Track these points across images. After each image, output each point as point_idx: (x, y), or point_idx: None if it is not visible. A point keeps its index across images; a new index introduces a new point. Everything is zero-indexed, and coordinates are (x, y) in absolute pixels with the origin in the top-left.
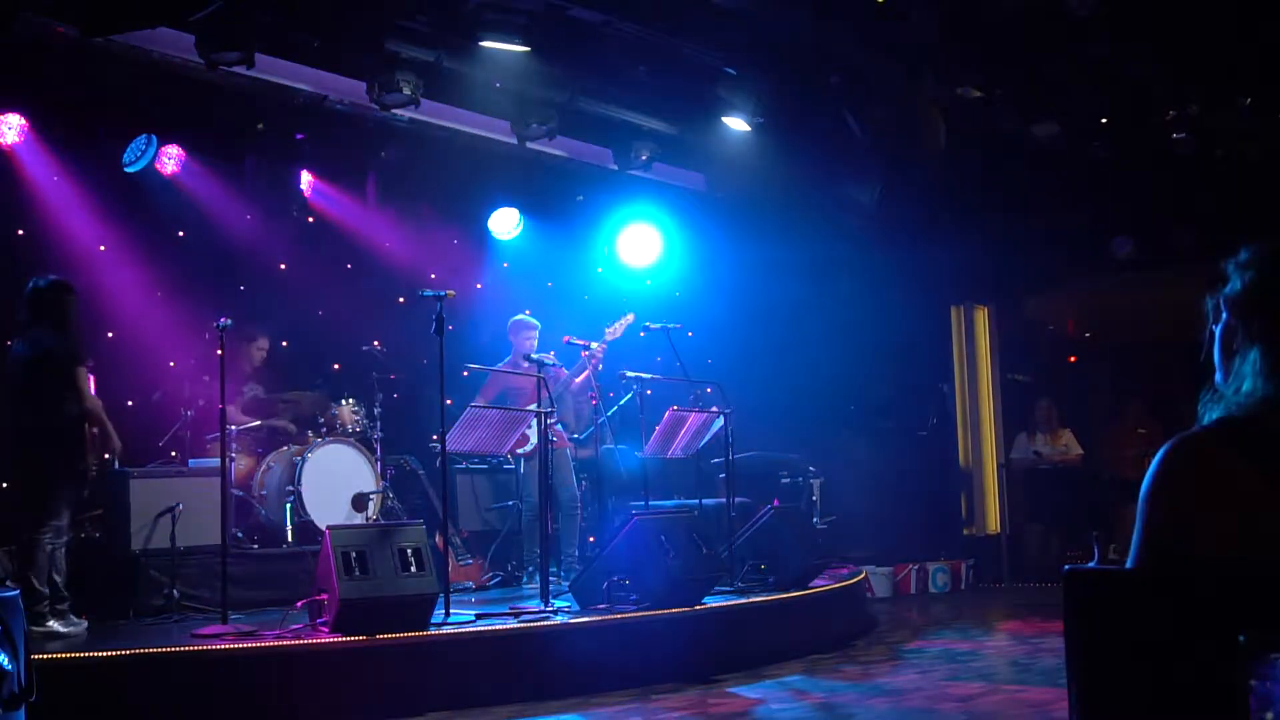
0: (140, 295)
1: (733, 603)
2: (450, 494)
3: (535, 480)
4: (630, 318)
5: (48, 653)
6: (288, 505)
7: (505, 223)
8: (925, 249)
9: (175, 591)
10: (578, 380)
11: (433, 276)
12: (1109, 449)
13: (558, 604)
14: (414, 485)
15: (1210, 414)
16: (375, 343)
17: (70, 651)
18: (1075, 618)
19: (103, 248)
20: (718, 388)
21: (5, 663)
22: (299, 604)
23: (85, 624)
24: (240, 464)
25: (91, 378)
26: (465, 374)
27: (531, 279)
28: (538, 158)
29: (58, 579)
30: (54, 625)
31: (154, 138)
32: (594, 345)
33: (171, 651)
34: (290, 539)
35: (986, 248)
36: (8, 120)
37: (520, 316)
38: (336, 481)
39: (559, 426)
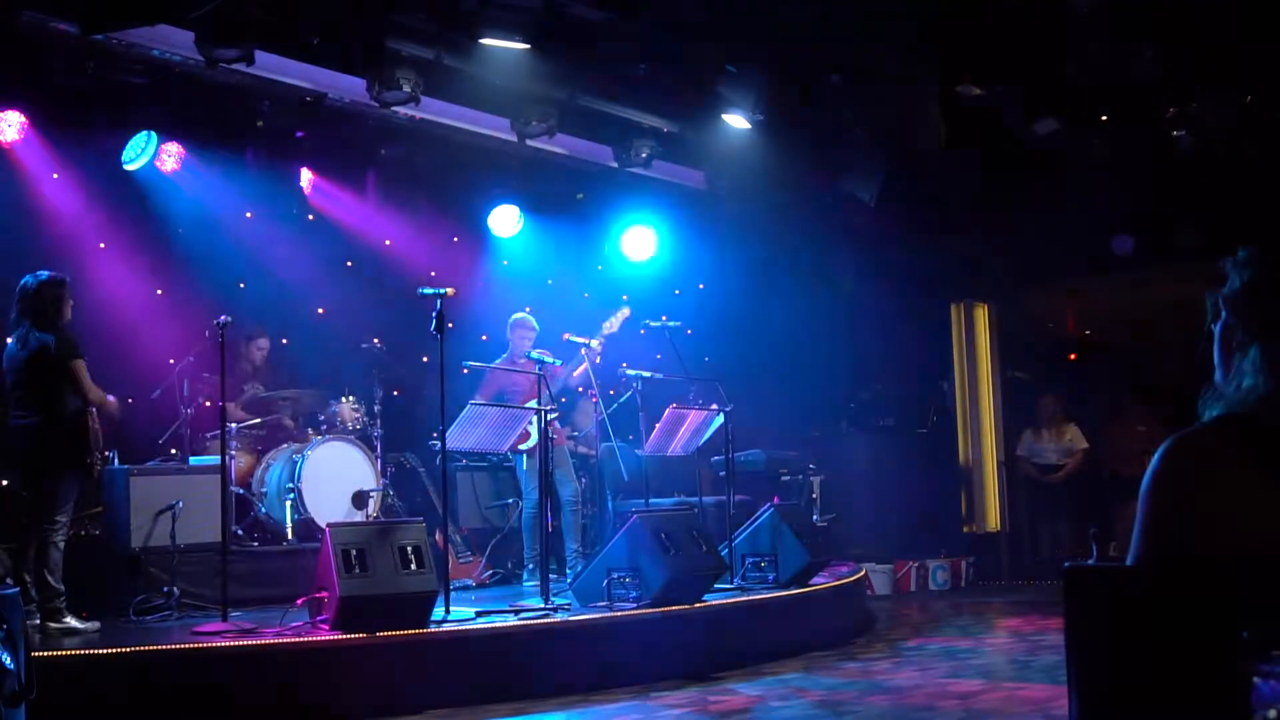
0: (140, 293)
1: (733, 600)
2: (450, 491)
3: (536, 477)
4: (626, 311)
5: (49, 650)
6: (288, 503)
7: (505, 220)
8: (925, 246)
9: (175, 589)
10: (575, 374)
11: (433, 274)
12: (1109, 446)
13: (558, 601)
14: (414, 483)
15: (1210, 411)
16: (375, 340)
17: (71, 649)
18: (1076, 615)
19: (102, 245)
20: (717, 385)
21: (6, 661)
22: (299, 601)
23: (98, 624)
24: (240, 462)
25: None
26: (465, 371)
27: (531, 277)
28: (538, 155)
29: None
30: (71, 621)
31: (154, 135)
32: (593, 343)
33: (172, 649)
34: (290, 536)
35: (986, 245)
36: (7, 117)
37: (521, 315)
38: (337, 479)
39: (558, 424)
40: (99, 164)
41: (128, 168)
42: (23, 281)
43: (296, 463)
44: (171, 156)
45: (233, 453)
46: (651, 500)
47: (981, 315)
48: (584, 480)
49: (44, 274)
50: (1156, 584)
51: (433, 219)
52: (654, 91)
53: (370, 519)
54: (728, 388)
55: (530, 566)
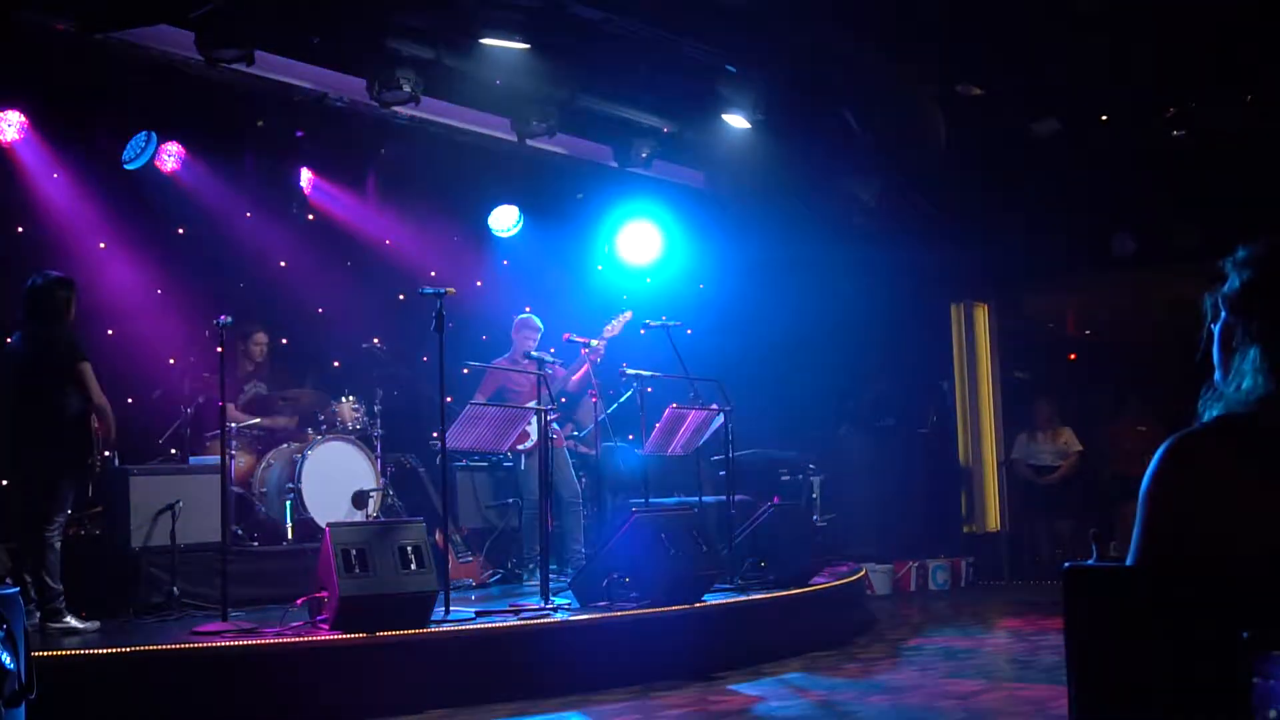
0: (140, 292)
1: (733, 600)
2: (450, 491)
3: (536, 477)
4: (628, 315)
5: (49, 650)
6: (288, 503)
7: (505, 220)
8: (925, 246)
9: (175, 589)
10: (576, 377)
11: (433, 274)
12: (1109, 446)
13: (558, 601)
14: (414, 483)
15: (1210, 412)
16: (375, 340)
17: (71, 649)
18: (1075, 615)
19: (102, 245)
20: (717, 385)
21: (6, 661)
22: (299, 601)
23: (98, 624)
24: (240, 461)
25: None
26: (465, 371)
27: (531, 276)
28: (538, 155)
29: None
30: (71, 621)
31: (154, 135)
32: (594, 343)
33: (172, 649)
34: (290, 536)
35: (986, 245)
36: (7, 117)
37: (525, 315)
38: (337, 479)
39: (556, 425)
40: (99, 164)
41: (128, 167)
42: (31, 281)
43: (296, 463)
44: (171, 156)
45: (233, 453)
46: (651, 500)
47: (981, 314)
48: (584, 479)
49: (53, 274)
50: (1156, 584)
51: (433, 219)
52: (654, 91)
53: (370, 519)
54: (728, 388)
55: (531, 566)
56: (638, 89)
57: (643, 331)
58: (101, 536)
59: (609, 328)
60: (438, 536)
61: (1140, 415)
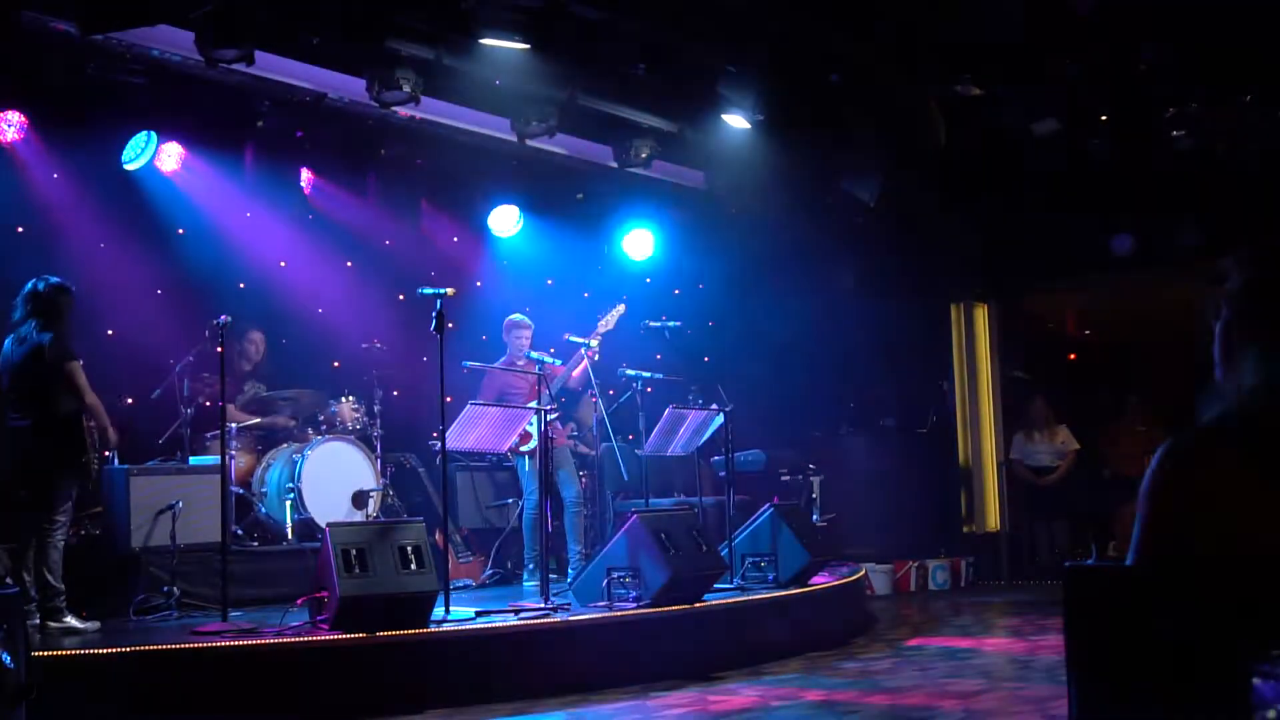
0: (140, 293)
1: (732, 600)
2: (450, 491)
3: (536, 477)
4: (622, 308)
5: (49, 650)
6: (288, 503)
7: (505, 220)
8: (925, 247)
9: (175, 589)
10: (575, 372)
11: (433, 274)
12: (1109, 447)
13: (558, 601)
14: (414, 483)
15: (1210, 411)
16: (375, 340)
17: (71, 649)
18: (1076, 615)
19: (102, 245)
20: (717, 385)
21: (6, 660)
22: (299, 601)
23: (98, 624)
24: (240, 461)
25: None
26: (465, 371)
27: (531, 277)
28: (538, 155)
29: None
30: (71, 621)
31: (153, 135)
32: (592, 342)
33: (171, 649)
34: (290, 536)
35: (986, 245)
36: (8, 117)
37: (514, 316)
38: (336, 479)
39: (559, 423)
40: (99, 164)
41: (128, 168)
42: (32, 285)
43: (296, 463)
44: (171, 156)
45: (233, 453)
46: (651, 500)
47: (981, 315)
48: (584, 479)
49: (53, 279)
50: (1156, 584)
51: (432, 219)
52: (654, 91)
53: (370, 519)
54: (728, 388)
55: (530, 566)
56: (637, 89)
57: (643, 331)
58: (101, 536)
59: (604, 322)
60: (438, 536)
61: (1140, 415)
